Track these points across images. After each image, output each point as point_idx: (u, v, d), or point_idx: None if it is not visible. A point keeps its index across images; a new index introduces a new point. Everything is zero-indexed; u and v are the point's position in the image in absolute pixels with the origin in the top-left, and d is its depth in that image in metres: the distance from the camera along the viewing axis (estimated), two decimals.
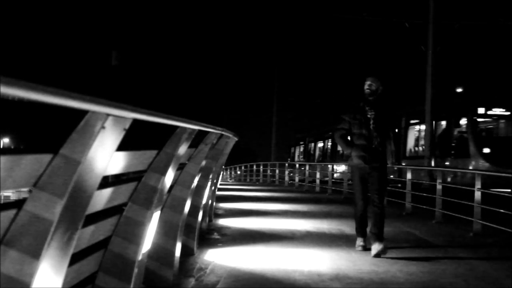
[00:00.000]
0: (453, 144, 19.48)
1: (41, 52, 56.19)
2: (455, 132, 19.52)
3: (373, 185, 7.40)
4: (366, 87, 7.46)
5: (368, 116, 7.36)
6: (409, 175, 13.20)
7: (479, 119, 19.62)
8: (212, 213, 10.52)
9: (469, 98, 19.87)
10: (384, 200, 7.63)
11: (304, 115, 56.37)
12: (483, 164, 17.84)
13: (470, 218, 9.70)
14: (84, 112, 2.32)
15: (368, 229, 7.44)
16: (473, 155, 18.47)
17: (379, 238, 7.15)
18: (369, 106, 7.41)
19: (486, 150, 18.29)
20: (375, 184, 7.38)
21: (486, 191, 9.87)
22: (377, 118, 7.37)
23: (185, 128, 4.13)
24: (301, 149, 37.23)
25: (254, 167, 33.72)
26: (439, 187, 11.35)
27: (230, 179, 38.98)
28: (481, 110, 19.35)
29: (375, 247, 7.03)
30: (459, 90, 21.67)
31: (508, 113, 19.89)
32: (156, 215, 3.97)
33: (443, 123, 20.44)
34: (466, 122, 19.24)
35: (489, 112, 19.44)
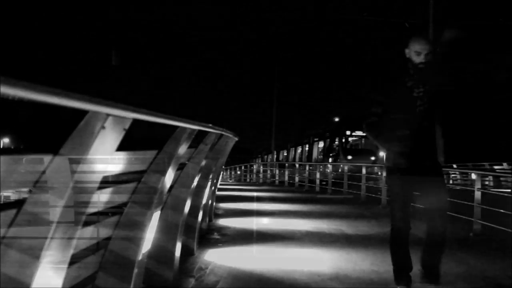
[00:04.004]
0: (333, 152, 31.99)
1: (41, 52, 56.23)
2: (334, 145, 32.16)
3: (428, 198, 5.14)
4: (415, 49, 4.94)
5: (415, 94, 4.97)
6: None
7: (348, 138, 32.09)
8: (212, 213, 10.51)
9: (341, 125, 32.82)
10: (447, 222, 5.30)
11: (304, 115, 56.53)
12: (346, 163, 26.94)
13: (470, 218, 9.70)
14: (84, 112, 2.32)
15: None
16: (341, 158, 29.87)
17: (433, 275, 5.21)
18: (417, 79, 4.99)
19: (349, 156, 29.96)
20: (432, 196, 5.08)
21: (486, 191, 9.87)
22: (427, 97, 4.99)
23: (185, 128, 4.14)
24: (260, 160, 52.95)
25: (254, 167, 33.88)
26: None
27: (230, 179, 38.95)
28: (348, 132, 31.74)
29: None
30: (336, 119, 37.13)
31: (364, 134, 29.17)
32: (156, 215, 3.97)
33: (327, 140, 33.10)
34: (339, 139, 31.73)
35: (353, 134, 31.66)
